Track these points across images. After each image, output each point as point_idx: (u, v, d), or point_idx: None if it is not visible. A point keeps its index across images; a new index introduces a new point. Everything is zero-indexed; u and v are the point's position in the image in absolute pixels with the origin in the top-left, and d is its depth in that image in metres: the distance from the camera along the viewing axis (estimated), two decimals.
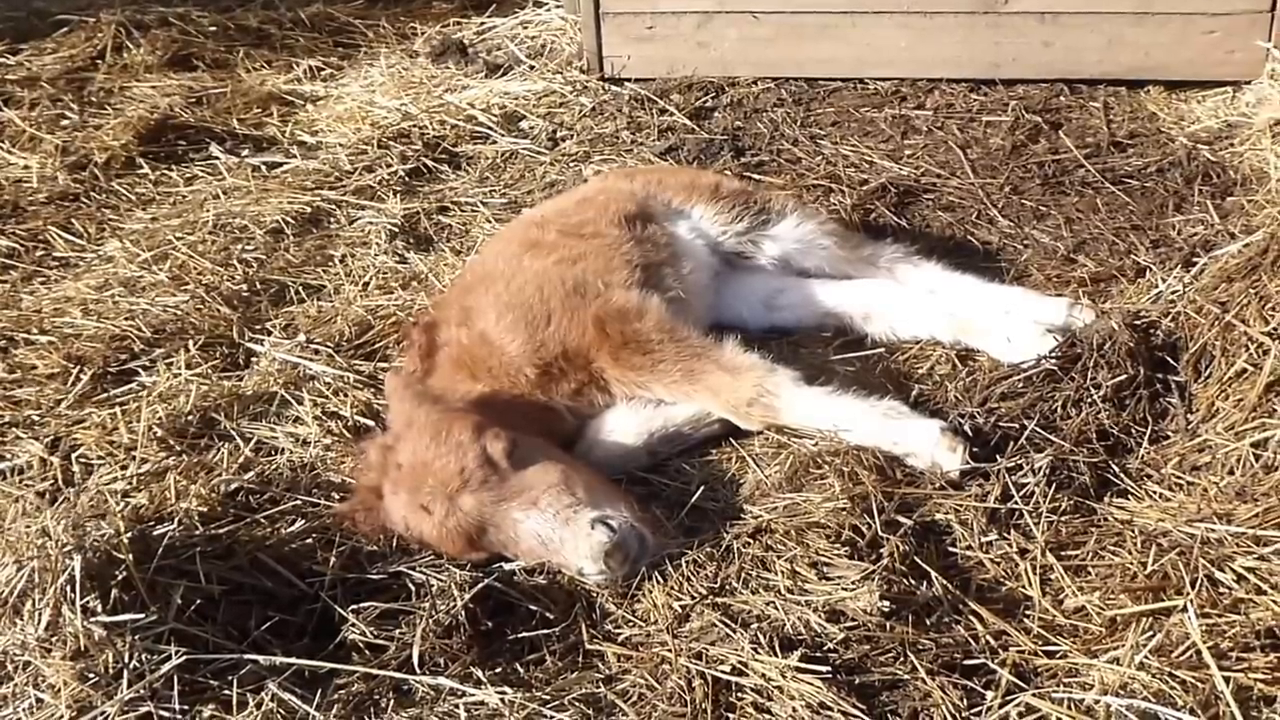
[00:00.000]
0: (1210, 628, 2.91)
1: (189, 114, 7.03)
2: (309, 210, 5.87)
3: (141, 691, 2.97)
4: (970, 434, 3.69)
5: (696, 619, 3.20)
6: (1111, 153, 5.94)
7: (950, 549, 3.42)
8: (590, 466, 3.68)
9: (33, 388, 4.54)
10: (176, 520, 3.50)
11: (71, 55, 8.06)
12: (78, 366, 4.59)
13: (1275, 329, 3.68)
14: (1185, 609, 2.93)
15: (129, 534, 3.26)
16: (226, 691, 3.04)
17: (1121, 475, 3.60)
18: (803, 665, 2.95)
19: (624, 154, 6.27)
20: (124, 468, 3.98)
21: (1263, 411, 3.56)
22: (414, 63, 7.64)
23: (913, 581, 3.23)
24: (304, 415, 4.23)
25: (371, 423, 4.18)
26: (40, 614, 3.07)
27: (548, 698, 3.01)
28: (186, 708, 2.99)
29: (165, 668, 3.01)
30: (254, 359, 4.65)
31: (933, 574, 3.23)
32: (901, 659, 3.01)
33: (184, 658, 3.05)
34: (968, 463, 3.60)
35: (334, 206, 5.91)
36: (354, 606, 3.28)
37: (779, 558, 3.36)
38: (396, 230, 5.60)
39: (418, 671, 3.09)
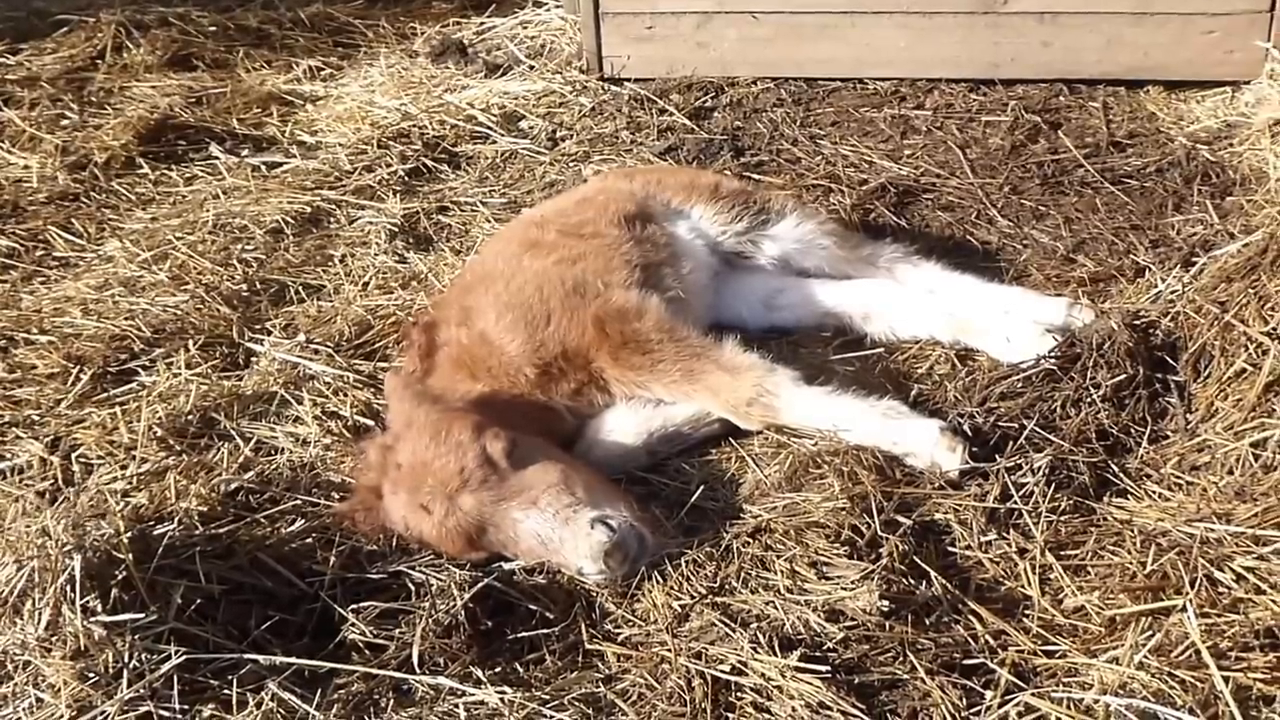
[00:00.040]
0: (1209, 627, 2.91)
1: (189, 114, 7.03)
2: (309, 210, 5.87)
3: (141, 691, 2.98)
4: (969, 434, 3.69)
5: (696, 618, 3.20)
6: (1111, 153, 5.94)
7: (949, 549, 3.42)
8: (590, 466, 3.68)
9: (33, 387, 4.54)
10: (176, 520, 3.50)
11: (71, 55, 8.06)
12: (78, 366, 4.60)
13: (1274, 329, 3.69)
14: (1184, 609, 2.94)
15: (129, 534, 3.27)
16: (226, 691, 3.05)
17: (1121, 475, 3.61)
18: (802, 665, 2.95)
19: (623, 154, 6.27)
20: (124, 467, 3.98)
21: (1262, 411, 3.56)
22: (414, 63, 7.64)
23: (912, 581, 3.23)
24: (304, 415, 4.23)
25: (371, 422, 4.18)
26: (40, 613, 3.08)
27: (547, 697, 3.01)
28: (186, 707, 3.00)
29: (165, 667, 3.02)
30: (254, 359, 4.65)
31: (932, 574, 3.23)
32: (901, 659, 3.01)
33: (184, 657, 3.05)
34: (967, 462, 3.60)
35: (334, 206, 5.91)
36: (354, 606, 3.28)
37: (778, 557, 3.36)
38: (396, 230, 5.61)
39: (417, 671, 3.09)
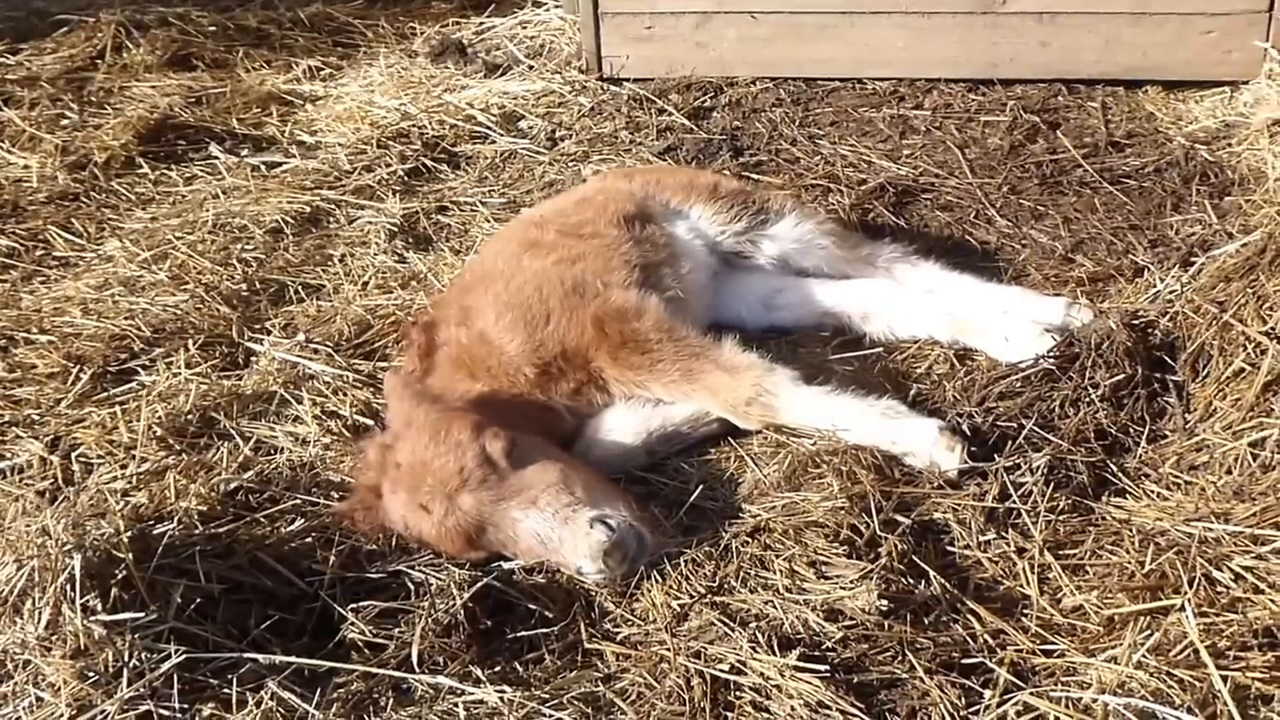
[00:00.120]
0: (1208, 627, 2.91)
1: (189, 114, 7.03)
2: (308, 210, 5.87)
3: (141, 690, 2.98)
4: (968, 433, 3.70)
5: (695, 618, 3.20)
6: (1109, 153, 5.95)
7: (948, 548, 3.42)
8: (589, 465, 3.68)
9: (33, 387, 4.54)
10: (176, 519, 3.50)
11: (71, 55, 8.06)
12: (77, 366, 4.60)
13: (1273, 328, 3.69)
14: (1183, 608, 2.94)
15: (129, 533, 3.27)
16: (226, 690, 3.05)
17: (1119, 474, 3.61)
18: (801, 664, 2.95)
19: (623, 154, 6.28)
20: (124, 467, 3.98)
21: (1260, 411, 3.57)
22: (413, 62, 7.64)
23: (911, 580, 3.23)
24: (303, 414, 4.24)
25: (371, 422, 4.18)
26: (40, 613, 3.08)
27: (547, 696, 3.01)
28: (186, 706, 3.00)
29: (165, 666, 3.02)
30: (253, 358, 4.66)
31: (931, 573, 3.24)
32: (900, 658, 3.01)
33: (184, 656, 3.06)
34: (966, 462, 3.60)
35: (333, 206, 5.91)
36: (353, 605, 3.28)
37: (777, 557, 3.36)
38: (396, 230, 5.61)
39: (417, 670, 3.10)
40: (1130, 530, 3.37)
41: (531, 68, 7.35)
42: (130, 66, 7.86)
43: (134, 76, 7.72)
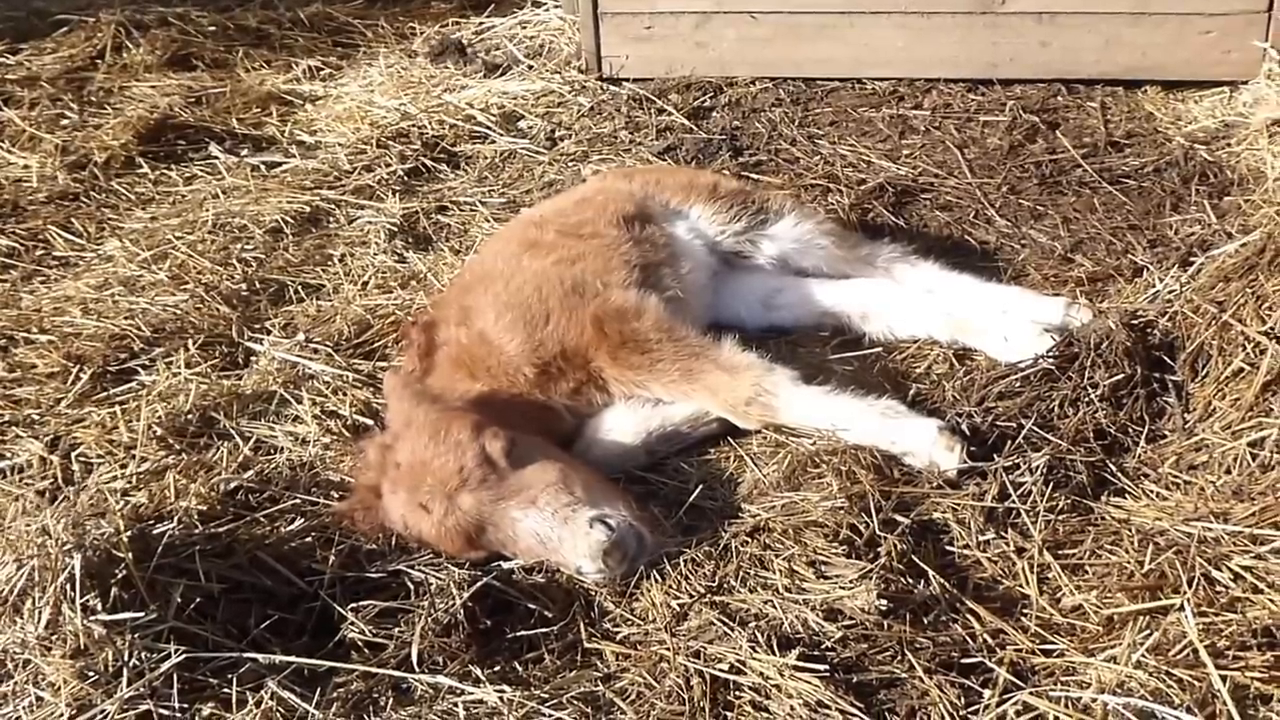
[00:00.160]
0: (1207, 626, 2.92)
1: (188, 114, 7.04)
2: (308, 210, 5.87)
3: (141, 690, 2.98)
4: (968, 433, 3.70)
5: (695, 617, 3.21)
6: (1109, 153, 5.95)
7: (948, 548, 3.43)
8: (588, 465, 3.68)
9: (33, 386, 4.55)
10: (176, 519, 3.51)
11: (71, 55, 8.06)
12: (77, 365, 4.60)
13: (1272, 328, 3.69)
14: (1182, 608, 2.94)
15: (129, 533, 3.27)
16: (226, 690, 3.05)
17: (1119, 474, 3.61)
18: (800, 664, 2.95)
19: (622, 153, 6.28)
20: (124, 466, 3.99)
21: (1259, 411, 3.57)
22: (413, 62, 7.64)
23: (910, 580, 3.23)
24: (303, 414, 4.24)
25: (370, 422, 4.18)
26: (40, 612, 3.08)
27: (546, 696, 3.01)
28: (186, 706, 3.00)
29: (165, 666, 3.02)
30: (253, 358, 4.66)
31: (930, 573, 3.24)
32: (899, 657, 3.01)
33: (183, 656, 3.06)
34: (965, 462, 3.60)
35: (333, 206, 5.92)
36: (353, 605, 3.29)
37: (777, 556, 3.36)
38: (395, 230, 5.61)
39: (417, 670, 3.10)
40: (1129, 530, 3.37)
41: (531, 68, 7.35)
42: (130, 66, 7.86)
43: (134, 76, 7.72)
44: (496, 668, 3.12)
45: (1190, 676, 2.77)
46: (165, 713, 2.97)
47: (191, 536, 3.42)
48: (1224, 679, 2.73)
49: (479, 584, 3.26)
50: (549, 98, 6.96)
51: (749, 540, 3.46)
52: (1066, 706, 2.78)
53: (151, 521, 3.46)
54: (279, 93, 7.39)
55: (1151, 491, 3.54)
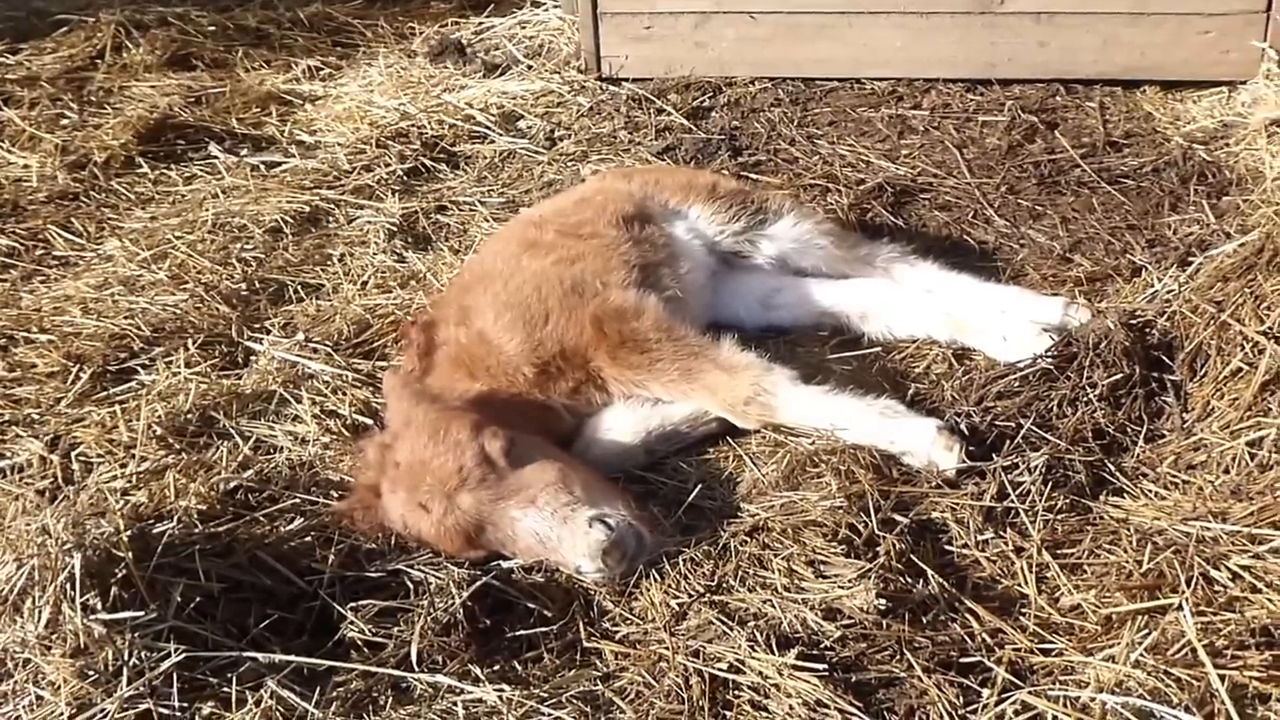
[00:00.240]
0: (1205, 626, 2.92)
1: (188, 114, 7.03)
2: (308, 209, 5.87)
3: (141, 689, 2.98)
4: (966, 433, 3.70)
5: (694, 617, 3.21)
6: (1107, 152, 5.95)
7: (946, 547, 3.43)
8: (588, 465, 3.69)
9: (33, 386, 4.55)
10: (176, 518, 3.51)
11: (71, 55, 8.06)
12: (77, 365, 4.61)
13: (1270, 328, 3.69)
14: (1181, 607, 2.95)
15: (128, 532, 3.27)
16: (226, 689, 3.05)
17: (1117, 474, 3.61)
18: (799, 663, 2.96)
19: (621, 153, 6.28)
20: (123, 466, 3.99)
21: (1258, 410, 3.57)
22: (412, 62, 7.64)
23: (909, 579, 3.24)
24: (303, 414, 4.24)
25: (370, 421, 4.19)
26: (40, 612, 3.08)
27: (545, 695, 3.02)
28: (186, 705, 3.01)
29: (165, 665, 3.03)
30: (253, 358, 4.66)
31: (929, 572, 3.24)
32: (898, 657, 3.02)
33: (183, 655, 3.06)
34: (964, 461, 3.61)
35: (332, 206, 5.92)
36: (353, 604, 3.29)
37: (776, 556, 3.37)
38: (395, 229, 5.61)
39: (416, 669, 3.10)
40: (1128, 529, 3.37)
41: (530, 68, 7.35)
42: (130, 66, 7.85)
43: (134, 76, 7.71)
44: (496, 667, 3.13)
45: (1189, 676, 2.78)
46: (165, 712, 2.97)
47: (191, 536, 3.42)
48: (1222, 678, 2.74)
49: (478, 583, 3.26)
50: (548, 98, 6.96)
51: (748, 540, 3.46)
52: (1065, 706, 2.79)
53: (151, 521, 3.47)
54: (279, 93, 7.39)
55: (1150, 491, 3.55)
